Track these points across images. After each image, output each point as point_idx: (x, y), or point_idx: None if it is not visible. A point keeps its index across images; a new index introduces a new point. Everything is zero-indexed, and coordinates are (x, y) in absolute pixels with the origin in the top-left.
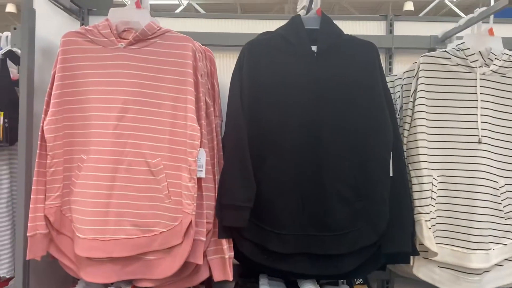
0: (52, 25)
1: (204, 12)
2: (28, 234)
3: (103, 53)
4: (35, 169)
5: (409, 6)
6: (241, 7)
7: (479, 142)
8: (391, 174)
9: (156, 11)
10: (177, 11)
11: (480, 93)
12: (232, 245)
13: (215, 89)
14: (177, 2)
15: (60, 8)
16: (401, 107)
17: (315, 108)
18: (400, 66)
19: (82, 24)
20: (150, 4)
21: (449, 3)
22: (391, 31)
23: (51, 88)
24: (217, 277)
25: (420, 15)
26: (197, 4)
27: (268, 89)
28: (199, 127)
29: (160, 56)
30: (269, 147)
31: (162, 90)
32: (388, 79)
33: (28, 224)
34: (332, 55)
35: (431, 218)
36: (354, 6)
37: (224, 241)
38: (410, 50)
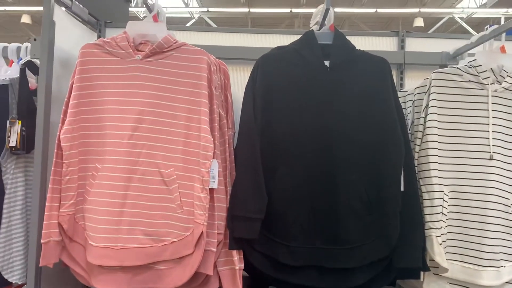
0: (70, 37)
1: (215, 26)
2: (42, 241)
3: (120, 65)
4: (51, 177)
5: (419, 22)
6: (251, 20)
7: (491, 159)
8: (402, 189)
9: (168, 24)
10: (188, 24)
11: (492, 110)
12: (242, 256)
13: (228, 101)
14: (189, 15)
15: (79, 20)
16: (412, 122)
17: (327, 121)
18: (411, 82)
19: (99, 36)
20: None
21: (459, 20)
22: (402, 47)
23: (68, 98)
24: None
25: (430, 31)
26: (208, 17)
27: (281, 102)
28: (212, 139)
29: (175, 69)
30: (281, 159)
31: (177, 102)
32: (399, 94)
33: (43, 231)
34: (345, 70)
35: (442, 234)
36: (364, 22)
37: (234, 252)
38: (422, 66)
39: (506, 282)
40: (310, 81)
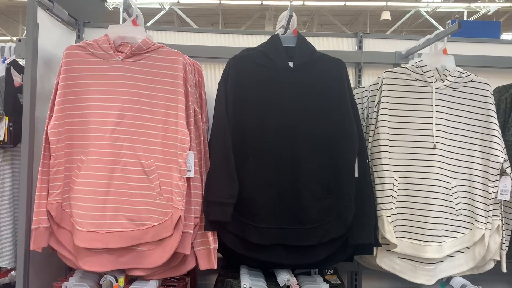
0: (52, 37)
1: (186, 17)
2: (32, 227)
3: (102, 65)
4: (40, 168)
5: (386, 16)
6: (222, 12)
7: (434, 148)
8: (356, 175)
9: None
10: (159, 15)
11: (435, 105)
12: (216, 237)
13: (202, 98)
14: (159, 7)
15: (59, 21)
16: (367, 116)
17: (291, 116)
18: (369, 79)
19: (78, 36)
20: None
21: (424, 14)
22: (360, 47)
23: (54, 96)
24: (203, 266)
25: (397, 24)
26: (179, 9)
27: (249, 99)
28: (188, 132)
29: (154, 69)
30: (250, 150)
31: (156, 99)
32: (357, 90)
33: (33, 218)
34: (306, 70)
35: (392, 214)
36: (333, 14)
37: (209, 233)
38: (377, 65)
39: (447, 255)
40: (275, 80)
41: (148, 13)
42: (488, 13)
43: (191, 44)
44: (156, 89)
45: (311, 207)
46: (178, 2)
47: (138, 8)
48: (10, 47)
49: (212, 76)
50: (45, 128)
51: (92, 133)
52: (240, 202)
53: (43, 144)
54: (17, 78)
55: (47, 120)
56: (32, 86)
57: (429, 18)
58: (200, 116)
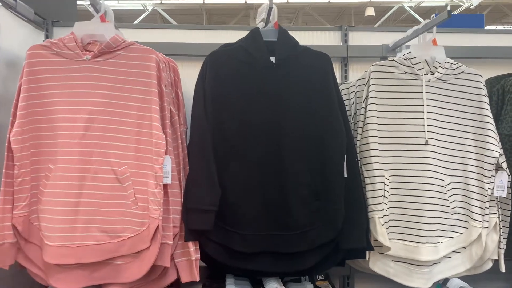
0: (15, 37)
1: (169, 18)
2: None
3: (68, 65)
4: (3, 179)
5: (370, 11)
6: (206, 12)
7: (426, 144)
8: (345, 175)
9: (123, 16)
10: (142, 17)
11: (426, 99)
12: (198, 247)
13: (179, 98)
14: (142, 8)
15: (24, 20)
16: (355, 112)
17: (274, 115)
18: (355, 74)
19: (47, 36)
20: (115, 10)
21: (408, 9)
22: (345, 41)
23: (17, 100)
24: (185, 278)
25: (381, 20)
26: (162, 9)
27: (230, 97)
28: (164, 135)
29: (124, 68)
30: (232, 152)
31: (128, 100)
32: (343, 86)
33: None
34: (289, 65)
35: (384, 215)
36: (317, 12)
37: (190, 243)
38: (364, 59)
39: (443, 256)
40: (257, 77)
41: (131, 15)
42: (471, 7)
43: (167, 42)
44: (128, 89)
45: (299, 211)
46: (161, 2)
47: (120, 9)
48: None
49: (190, 75)
50: (8, 136)
51: (59, 139)
52: (223, 209)
53: (6, 153)
54: None
55: (9, 127)
56: None
57: (413, 13)
58: (177, 117)
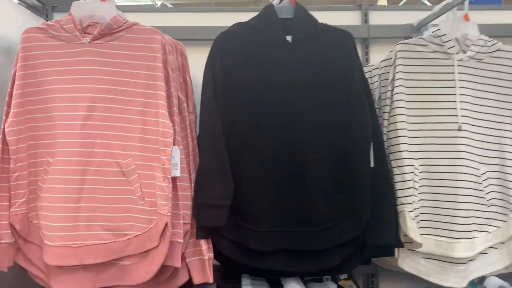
0: (13, 23)
1: None
2: None
3: (66, 49)
4: None
5: (382, 1)
6: (216, 5)
7: (459, 129)
8: (371, 165)
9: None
10: None
11: (459, 80)
12: (211, 245)
13: (187, 84)
14: (151, 3)
15: (23, 5)
16: (380, 97)
17: (292, 100)
18: (377, 56)
19: None
20: (125, 6)
21: None
22: (366, 21)
23: (12, 88)
24: (197, 279)
25: (403, 1)
26: (171, 4)
27: (242, 81)
28: (171, 124)
29: (127, 51)
30: (246, 142)
31: (131, 86)
32: (365, 69)
33: None
34: (308, 45)
35: (414, 209)
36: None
37: (202, 242)
38: (386, 40)
39: (480, 253)
40: (272, 59)
41: (141, 10)
42: None
43: (173, 25)
44: (131, 74)
45: (320, 205)
46: None
47: (128, 5)
48: None
49: (199, 60)
50: (2, 127)
51: (58, 130)
52: (236, 203)
53: (0, 146)
54: None
55: (3, 117)
56: None
57: (426, 2)
58: (185, 104)
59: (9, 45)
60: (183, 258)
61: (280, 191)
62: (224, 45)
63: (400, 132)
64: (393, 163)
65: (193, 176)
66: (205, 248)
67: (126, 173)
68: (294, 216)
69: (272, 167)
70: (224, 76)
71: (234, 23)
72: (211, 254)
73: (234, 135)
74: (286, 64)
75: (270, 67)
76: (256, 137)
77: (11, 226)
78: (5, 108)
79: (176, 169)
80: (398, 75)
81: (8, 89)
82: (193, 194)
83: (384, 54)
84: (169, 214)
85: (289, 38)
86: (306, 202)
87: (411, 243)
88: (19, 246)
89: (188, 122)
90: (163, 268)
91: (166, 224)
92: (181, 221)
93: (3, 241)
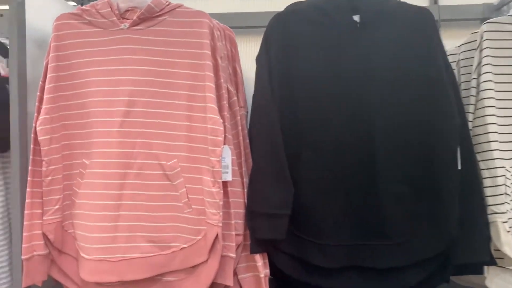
0: (47, 13)
1: None
2: (23, 256)
3: (103, 37)
4: (29, 178)
5: None
6: None
7: None
8: (459, 167)
9: None
10: None
11: None
12: (267, 260)
13: (237, 74)
14: None
15: None
16: (459, 86)
17: (362, 91)
18: (449, 42)
19: None
20: None
21: None
22: (435, 1)
23: (44, 81)
24: None
25: None
26: None
27: (302, 70)
28: (221, 120)
29: (171, 37)
30: (306, 139)
31: (176, 77)
32: None
33: (23, 245)
34: (379, 26)
35: (508, 219)
36: None
37: (257, 256)
38: (460, 23)
39: None
40: (337, 42)
41: None
42: None
43: (219, 12)
44: (175, 64)
45: (396, 215)
46: None
47: None
48: None
49: (249, 49)
50: (33, 125)
51: (95, 128)
52: (296, 212)
53: (32, 146)
54: (4, 65)
55: (35, 114)
56: (20, 73)
57: None
58: (235, 98)
59: (42, 37)
60: (235, 274)
61: (347, 197)
62: (280, 28)
63: (490, 128)
64: (482, 165)
65: (245, 180)
66: (261, 264)
67: (171, 176)
68: (364, 227)
69: (337, 169)
70: (281, 64)
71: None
72: (267, 271)
73: (292, 132)
74: (354, 49)
75: (336, 53)
76: (318, 135)
77: (44, 236)
78: (36, 104)
79: (227, 172)
80: (485, 60)
81: (40, 83)
82: (246, 201)
83: (458, 39)
84: (220, 224)
85: (356, 18)
86: (379, 210)
87: (502, 258)
88: (53, 257)
89: (239, 117)
90: (213, 285)
91: (217, 235)
92: (233, 232)
93: (36, 253)
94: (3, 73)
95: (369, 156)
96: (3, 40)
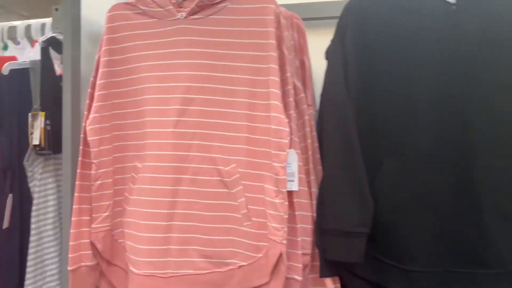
0: (101, 6)
1: None
2: (69, 268)
3: (158, 28)
4: (77, 182)
5: None
6: None
7: None
8: None
9: None
10: None
11: None
12: (339, 285)
13: (305, 68)
14: None
15: None
16: None
17: (458, 88)
18: None
19: None
20: None
21: None
22: None
23: (95, 77)
24: None
25: None
26: None
27: (384, 62)
28: (287, 120)
29: (232, 26)
30: (389, 146)
31: (236, 72)
32: None
33: (69, 255)
34: (478, 8)
35: None
36: None
37: (328, 280)
38: None
39: None
40: (427, 31)
41: None
42: None
43: (284, 3)
44: (236, 57)
45: (501, 237)
46: None
47: None
48: (43, 24)
49: (318, 42)
50: (83, 124)
51: (148, 129)
52: (374, 231)
53: (81, 147)
54: (58, 62)
55: (85, 113)
56: (74, 70)
57: None
58: (303, 94)
59: (97, 31)
60: None
61: (437, 215)
62: (359, 14)
63: None
64: None
65: (314, 190)
66: None
67: (229, 183)
68: (459, 252)
69: (427, 180)
70: (358, 57)
71: None
72: None
73: (371, 136)
74: (450, 37)
75: (427, 42)
76: (404, 140)
77: (92, 245)
78: (87, 101)
79: (293, 181)
80: None
81: (91, 78)
82: (315, 215)
83: None
84: (284, 241)
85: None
86: (479, 231)
87: None
88: (102, 269)
89: (307, 117)
90: None
91: (281, 254)
92: (299, 251)
93: (83, 263)
94: (59, 71)
95: (466, 168)
96: (59, 36)
